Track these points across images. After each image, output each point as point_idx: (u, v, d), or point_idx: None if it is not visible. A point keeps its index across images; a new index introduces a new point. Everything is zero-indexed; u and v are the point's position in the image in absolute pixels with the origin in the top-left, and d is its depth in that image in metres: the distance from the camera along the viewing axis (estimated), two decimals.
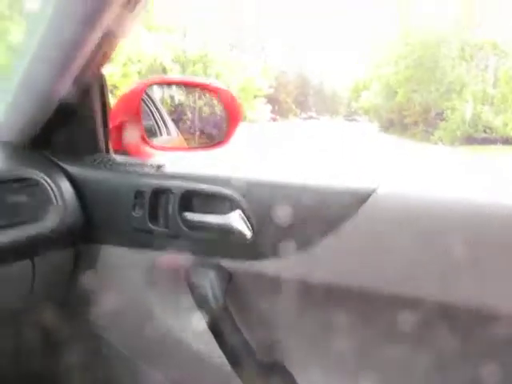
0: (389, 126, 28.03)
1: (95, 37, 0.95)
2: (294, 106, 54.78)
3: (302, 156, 9.52)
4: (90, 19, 0.91)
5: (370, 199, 0.85)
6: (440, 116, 20.63)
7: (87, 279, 1.17)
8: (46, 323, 1.15)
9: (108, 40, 0.99)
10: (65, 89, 1.04)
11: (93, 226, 1.12)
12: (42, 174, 1.06)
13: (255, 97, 32.54)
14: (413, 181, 0.95)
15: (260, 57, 36.05)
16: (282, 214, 0.92)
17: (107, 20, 0.92)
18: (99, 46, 0.98)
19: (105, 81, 1.15)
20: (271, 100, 38.10)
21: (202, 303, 1.00)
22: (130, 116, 1.21)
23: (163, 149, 1.32)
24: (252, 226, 0.93)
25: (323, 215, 0.89)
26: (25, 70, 1.02)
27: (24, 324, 1.14)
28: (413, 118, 23.29)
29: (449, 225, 0.80)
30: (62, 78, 1.02)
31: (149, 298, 1.10)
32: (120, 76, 16.95)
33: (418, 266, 0.82)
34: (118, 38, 1.01)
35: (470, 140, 18.19)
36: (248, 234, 0.93)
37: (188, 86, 1.63)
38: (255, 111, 32.49)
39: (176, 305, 1.06)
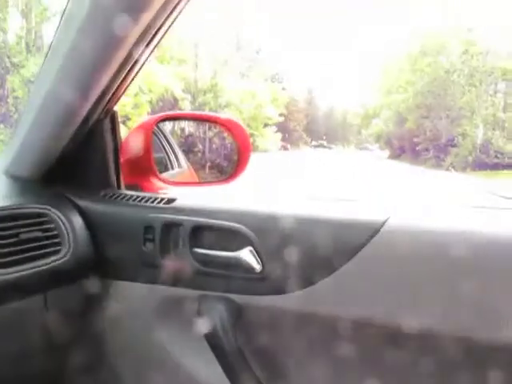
0: (400, 153, 28.01)
1: (109, 73, 0.96)
2: (304, 135, 55.02)
3: (312, 187, 9.49)
4: (104, 56, 0.92)
5: (381, 231, 0.85)
6: (451, 142, 20.60)
7: (98, 313, 1.16)
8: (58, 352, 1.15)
9: (121, 76, 1.00)
10: (77, 124, 1.05)
11: (104, 261, 1.12)
12: (53, 210, 1.07)
13: (265, 125, 32.78)
14: (424, 210, 0.94)
15: (270, 85, 36.42)
16: (292, 248, 0.91)
17: (121, 56, 0.93)
18: (112, 82, 1.00)
19: (116, 116, 1.17)
20: (281, 128, 38.34)
21: (211, 337, 0.99)
22: (141, 150, 1.22)
23: (173, 183, 1.33)
24: (262, 260, 0.93)
25: (334, 248, 0.88)
26: (38, 106, 1.04)
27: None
28: (423, 145, 23.26)
29: (461, 256, 0.79)
30: (75, 113, 1.03)
31: (159, 333, 1.09)
32: (131, 106, 17.21)
33: (430, 298, 0.81)
34: (132, 74, 1.03)
35: (481, 165, 18.10)
36: (258, 268, 0.93)
37: (198, 120, 1.65)
38: (266, 140, 32.70)
39: (186, 339, 1.05)
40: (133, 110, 17.37)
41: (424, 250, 0.82)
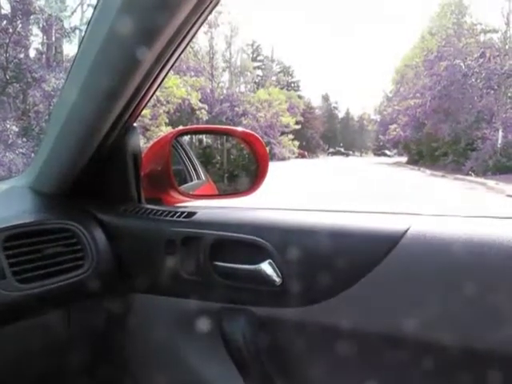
0: (418, 158, 27.74)
1: (129, 92, 0.99)
2: (321, 142, 54.90)
3: (331, 196, 9.41)
4: (124, 76, 0.95)
5: (402, 241, 0.84)
6: (470, 146, 20.31)
7: (120, 326, 1.18)
8: (81, 365, 1.16)
9: (140, 94, 1.02)
10: (98, 141, 1.07)
11: (125, 274, 1.14)
12: (76, 224, 1.09)
13: (282, 133, 32.82)
14: (446, 219, 0.91)
15: (286, 93, 36.49)
16: (312, 260, 0.91)
17: (140, 76, 0.95)
18: (132, 99, 1.02)
19: (136, 132, 1.19)
20: (299, 136, 38.33)
21: (233, 350, 1.00)
22: (160, 164, 1.24)
23: (193, 196, 1.34)
24: (282, 273, 0.93)
25: (354, 260, 0.88)
26: (61, 124, 1.06)
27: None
28: (442, 149, 22.99)
29: (485, 267, 0.77)
30: (96, 130, 1.06)
31: (180, 346, 1.10)
32: (149, 117, 17.40)
33: (452, 311, 0.79)
34: (150, 92, 1.05)
35: (502, 169, 17.78)
36: (278, 281, 0.93)
37: (215, 133, 1.66)
38: (283, 148, 32.72)
39: (207, 352, 1.06)
40: (151, 121, 17.57)
41: (446, 260, 0.80)
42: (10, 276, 0.93)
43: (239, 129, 1.43)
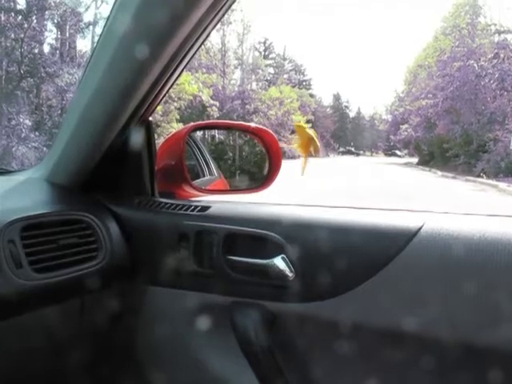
0: (429, 159, 27.51)
1: (145, 86, 1.00)
2: (332, 141, 54.67)
3: (344, 194, 9.37)
4: (140, 71, 0.96)
5: (416, 238, 0.84)
6: (482, 148, 20.11)
7: (132, 318, 1.19)
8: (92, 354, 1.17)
9: (156, 89, 1.04)
10: (113, 134, 1.09)
11: (138, 267, 1.15)
12: (91, 216, 1.10)
13: (293, 132, 32.71)
14: (460, 216, 0.91)
15: (297, 91, 36.36)
16: (325, 255, 0.92)
17: (156, 71, 0.97)
18: (148, 94, 1.03)
19: (151, 126, 1.20)
20: None
21: (245, 344, 1.00)
22: (174, 159, 1.25)
23: (206, 191, 1.35)
24: (295, 267, 0.94)
25: (367, 256, 0.88)
26: (77, 117, 1.08)
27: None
28: (454, 151, 22.78)
29: (500, 265, 0.77)
30: (112, 124, 1.07)
31: (192, 339, 1.11)
32: (161, 114, 17.43)
33: (466, 309, 0.79)
34: (166, 87, 1.07)
35: None
36: (291, 275, 0.94)
37: (229, 128, 1.67)
38: (293, 147, 32.61)
39: (219, 346, 1.07)
40: (162, 117, 17.60)
41: (461, 257, 0.80)
42: (26, 265, 0.94)
43: (252, 124, 1.43)
